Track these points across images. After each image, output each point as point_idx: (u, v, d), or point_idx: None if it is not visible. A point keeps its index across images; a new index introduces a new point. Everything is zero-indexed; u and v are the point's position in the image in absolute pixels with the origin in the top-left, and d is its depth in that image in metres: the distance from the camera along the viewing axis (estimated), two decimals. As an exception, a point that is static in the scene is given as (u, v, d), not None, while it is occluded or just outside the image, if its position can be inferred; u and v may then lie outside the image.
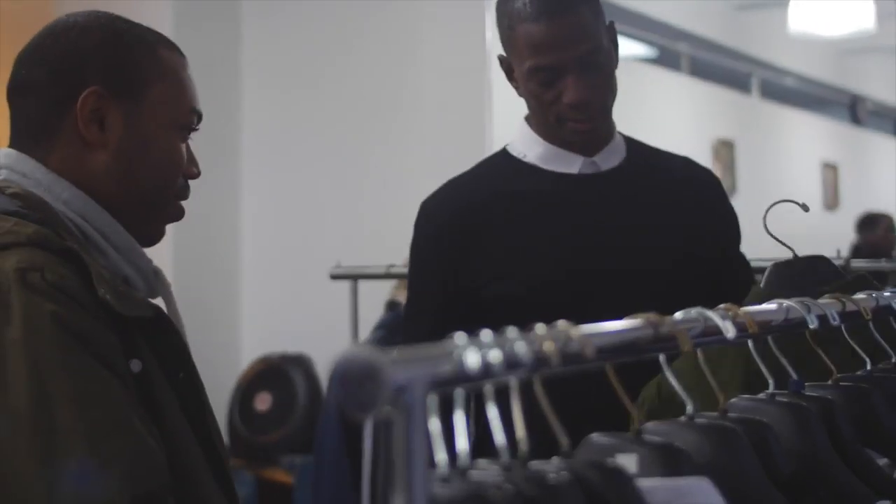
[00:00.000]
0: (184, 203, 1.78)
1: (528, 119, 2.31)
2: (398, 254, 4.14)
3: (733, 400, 1.33)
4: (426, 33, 4.68)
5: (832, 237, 7.91)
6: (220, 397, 4.59)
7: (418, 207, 2.32)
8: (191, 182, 1.78)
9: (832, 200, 9.07)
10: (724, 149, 7.66)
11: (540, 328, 0.99)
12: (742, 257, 2.40)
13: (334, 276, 3.73)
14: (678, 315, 1.20)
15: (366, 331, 3.74)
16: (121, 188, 1.67)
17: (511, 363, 0.92)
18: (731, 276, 2.30)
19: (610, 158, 2.26)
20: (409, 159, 4.69)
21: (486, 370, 0.90)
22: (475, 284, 2.20)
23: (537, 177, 2.24)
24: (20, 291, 1.46)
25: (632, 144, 2.33)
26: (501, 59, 2.24)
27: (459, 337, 0.92)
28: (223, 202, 5.07)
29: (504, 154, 2.31)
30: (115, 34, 1.70)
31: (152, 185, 1.70)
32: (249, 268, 5.17)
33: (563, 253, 2.19)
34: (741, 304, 2.10)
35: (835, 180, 9.12)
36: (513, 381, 0.95)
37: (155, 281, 1.75)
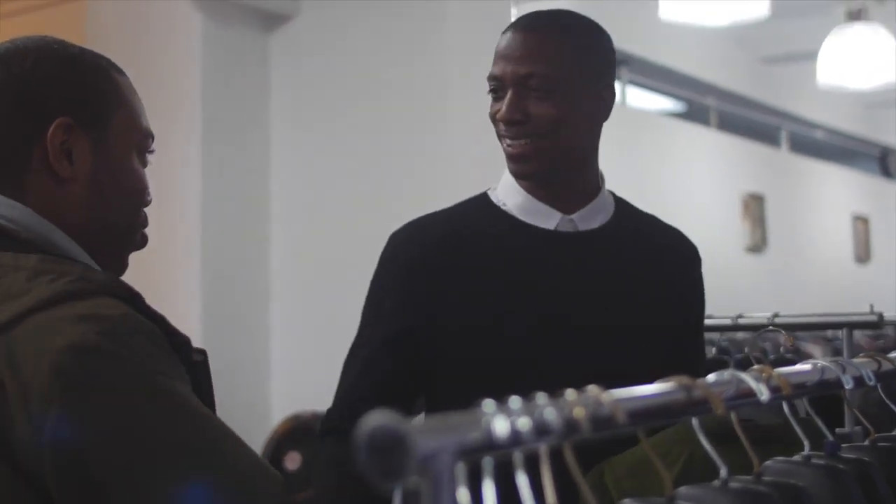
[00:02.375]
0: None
1: None
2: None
3: (767, 462, 1.31)
4: (455, 88, 4.68)
5: (864, 290, 7.89)
6: (249, 456, 4.57)
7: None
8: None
9: (863, 253, 9.03)
10: (754, 203, 7.64)
11: (570, 393, 0.97)
12: (702, 341, 2.36)
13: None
14: (711, 377, 1.18)
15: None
16: (94, 220, 1.60)
17: (540, 430, 0.90)
18: (692, 358, 2.26)
19: (590, 219, 2.18)
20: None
21: (516, 438, 0.88)
22: (433, 325, 2.11)
23: (512, 227, 2.16)
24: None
25: (622, 207, 2.25)
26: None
27: (487, 405, 0.90)
28: (252, 259, 5.07)
29: (483, 198, 2.25)
30: (72, 61, 1.62)
31: (125, 214, 1.65)
32: (279, 325, 5.16)
33: (524, 308, 2.10)
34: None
35: (866, 233, 9.08)
36: (543, 448, 0.93)
37: None
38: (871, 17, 6.30)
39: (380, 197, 4.90)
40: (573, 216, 2.16)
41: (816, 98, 8.21)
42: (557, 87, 2.08)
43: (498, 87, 2.12)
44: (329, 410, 2.26)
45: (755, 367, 1.24)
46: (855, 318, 2.84)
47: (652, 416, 1.05)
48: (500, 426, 0.87)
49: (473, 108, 4.68)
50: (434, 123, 4.76)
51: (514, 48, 2.11)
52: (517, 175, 2.16)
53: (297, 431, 4.77)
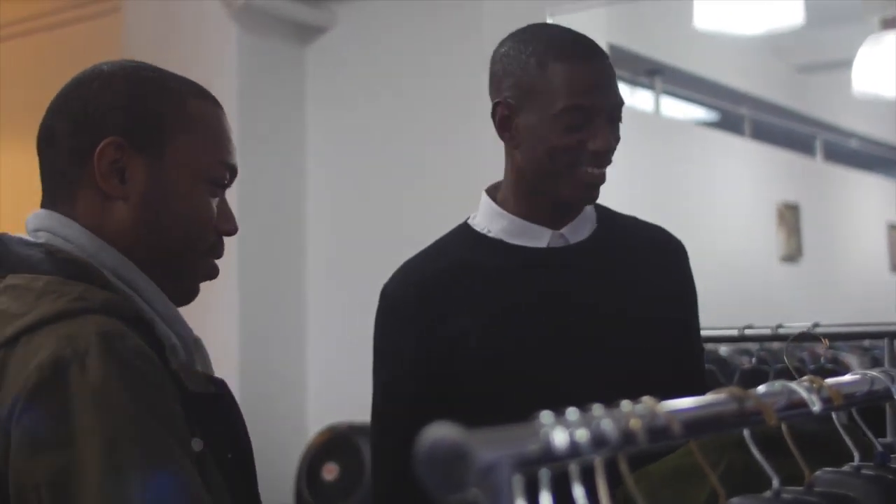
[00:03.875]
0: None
1: (490, 191, 2.25)
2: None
3: (818, 473, 1.30)
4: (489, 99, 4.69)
5: (901, 299, 7.82)
6: (287, 467, 4.59)
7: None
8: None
9: (899, 262, 8.97)
10: (789, 212, 7.61)
11: (626, 405, 0.97)
12: (698, 327, 2.32)
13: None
14: (761, 388, 1.18)
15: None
16: (144, 242, 1.63)
17: (598, 441, 0.91)
18: (688, 346, 2.26)
19: (579, 230, 2.19)
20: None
21: (574, 449, 0.89)
22: (448, 365, 2.11)
23: (502, 252, 2.16)
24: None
25: (603, 213, 2.26)
26: (500, 105, 2.15)
27: (545, 416, 0.90)
28: (289, 271, 5.09)
29: (465, 228, 2.24)
30: (139, 83, 1.66)
31: (177, 239, 1.65)
32: (315, 337, 5.17)
33: (529, 326, 2.11)
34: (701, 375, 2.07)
35: (902, 242, 9.02)
36: (598, 460, 0.93)
37: (195, 351, 1.70)
38: (907, 25, 6.27)
39: (417, 207, 4.91)
40: (563, 230, 2.17)
41: (851, 106, 8.17)
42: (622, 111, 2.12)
43: (583, 117, 2.06)
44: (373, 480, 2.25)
45: (805, 377, 1.24)
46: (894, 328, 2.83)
47: (705, 427, 1.05)
48: (560, 438, 0.88)
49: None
50: (471, 133, 4.76)
51: (603, 77, 2.10)
52: (586, 202, 2.16)
53: (333, 443, 4.78)
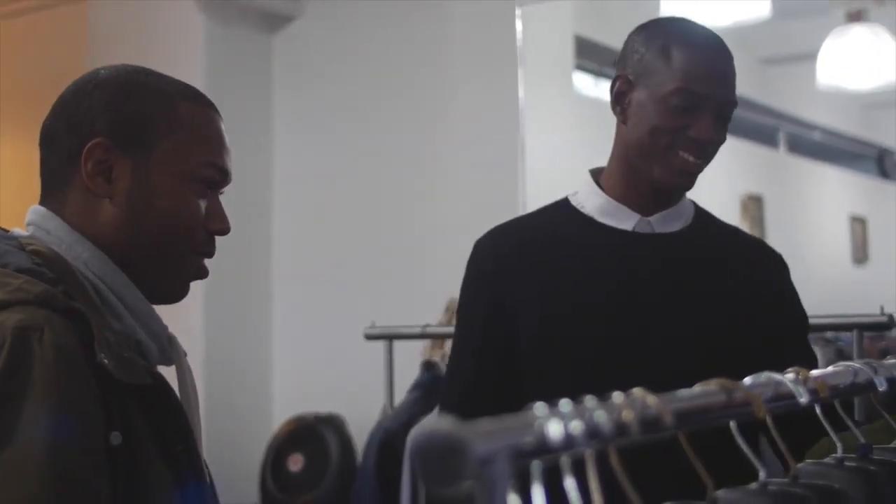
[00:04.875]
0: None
1: (594, 172, 2.29)
2: (433, 313, 4.14)
3: (800, 465, 1.30)
4: (460, 91, 4.67)
5: (861, 291, 7.88)
6: (252, 458, 4.57)
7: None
8: (222, 241, 1.76)
9: (861, 254, 9.02)
10: (753, 204, 7.64)
11: (616, 396, 0.96)
12: (808, 351, 2.30)
13: (369, 337, 3.72)
14: (747, 380, 1.18)
15: (401, 391, 3.72)
16: (129, 241, 1.66)
17: (592, 433, 0.90)
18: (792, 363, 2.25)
19: (668, 222, 2.23)
20: (442, 218, 4.68)
21: (569, 441, 0.88)
22: (515, 325, 2.18)
23: (590, 228, 2.22)
24: (8, 351, 1.43)
25: (702, 215, 2.31)
26: (620, 78, 2.19)
27: (539, 407, 0.90)
28: (254, 261, 5.06)
29: (564, 202, 2.30)
30: (130, 87, 1.71)
31: (161, 238, 1.68)
32: (281, 327, 5.15)
33: (593, 302, 2.17)
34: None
35: (863, 234, 9.07)
36: (589, 452, 0.92)
37: (169, 347, 1.72)
38: (871, 19, 6.30)
39: (383, 198, 4.89)
40: (651, 218, 2.22)
41: (815, 99, 8.21)
42: (732, 112, 2.18)
43: (694, 102, 2.12)
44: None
45: (790, 369, 1.24)
46: (865, 320, 2.84)
47: (696, 418, 1.05)
48: (554, 429, 0.87)
49: (478, 108, 4.69)
50: (438, 124, 4.75)
51: (721, 71, 2.16)
52: (677, 188, 2.22)
53: (299, 433, 4.75)
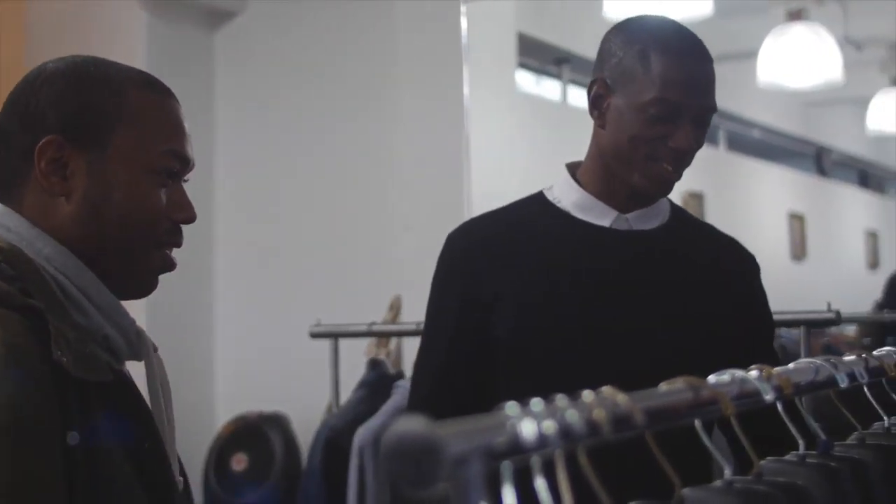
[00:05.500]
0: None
1: (571, 166, 2.26)
2: (379, 311, 4.12)
3: (762, 462, 1.30)
4: (405, 88, 4.65)
5: (800, 287, 7.94)
6: (194, 458, 4.52)
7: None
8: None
9: (799, 251, 9.11)
10: (694, 201, 7.68)
11: (587, 395, 0.95)
12: (774, 354, 2.32)
13: (314, 335, 3.69)
14: (711, 378, 1.17)
15: (346, 389, 3.70)
16: (91, 237, 1.61)
17: (564, 432, 0.89)
18: (743, 357, 2.25)
19: (645, 220, 2.21)
20: (387, 215, 4.66)
21: (542, 440, 0.86)
22: (490, 316, 2.16)
23: (567, 223, 2.20)
24: None
25: (678, 213, 2.29)
26: (597, 82, 2.16)
27: (510, 407, 0.88)
28: (196, 259, 5.01)
29: (539, 196, 2.27)
30: (79, 79, 1.65)
31: (122, 233, 1.63)
32: (224, 324, 5.10)
33: (573, 299, 2.15)
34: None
35: (802, 231, 9.16)
36: (558, 452, 0.91)
37: (137, 342, 1.67)
38: (811, 18, 6.35)
39: (328, 196, 4.86)
40: (628, 215, 2.20)
41: (754, 97, 8.27)
42: (711, 118, 2.16)
43: (670, 111, 2.08)
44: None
45: (753, 366, 1.23)
46: (812, 316, 2.86)
47: (666, 416, 1.04)
48: (528, 429, 0.86)
49: (424, 105, 4.68)
50: (383, 121, 4.73)
51: (699, 79, 2.12)
52: (656, 196, 2.20)
53: (242, 433, 4.71)
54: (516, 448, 0.85)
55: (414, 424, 0.80)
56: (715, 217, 7.78)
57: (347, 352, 3.75)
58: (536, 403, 0.90)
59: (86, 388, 1.49)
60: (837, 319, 2.83)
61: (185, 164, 1.70)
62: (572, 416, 0.90)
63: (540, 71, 7.00)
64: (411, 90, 4.61)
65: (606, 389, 0.98)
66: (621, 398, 0.97)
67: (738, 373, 1.17)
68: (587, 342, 2.12)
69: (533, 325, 2.14)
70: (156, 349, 1.74)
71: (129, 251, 1.65)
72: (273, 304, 4.97)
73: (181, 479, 1.71)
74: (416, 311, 2.29)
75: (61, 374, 1.46)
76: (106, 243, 1.62)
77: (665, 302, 2.17)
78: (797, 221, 9.14)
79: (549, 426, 0.87)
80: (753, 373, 1.19)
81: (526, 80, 6.83)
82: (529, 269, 2.17)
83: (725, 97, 7.09)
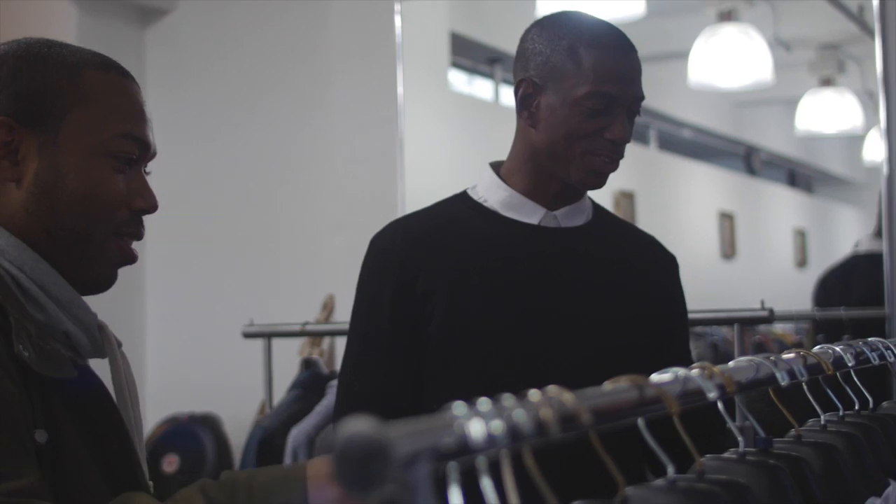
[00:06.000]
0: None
1: (494, 165, 2.26)
2: (313, 310, 4.11)
3: (700, 459, 1.30)
4: (338, 87, 4.64)
5: (730, 286, 8.00)
6: (126, 460, 4.48)
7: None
8: None
9: (729, 249, 9.18)
10: (625, 200, 7.72)
11: (533, 394, 0.95)
12: (689, 353, 2.37)
13: (247, 335, 3.67)
14: (654, 376, 1.17)
15: (279, 389, 3.67)
16: (42, 226, 1.54)
17: (512, 432, 0.88)
18: (668, 359, 2.27)
19: (572, 217, 2.23)
20: (321, 214, 4.64)
21: (490, 441, 0.86)
22: (423, 313, 2.15)
23: (495, 222, 2.20)
24: None
25: (600, 211, 2.31)
26: (524, 82, 2.16)
27: (458, 407, 0.87)
28: (127, 259, 4.96)
29: (463, 196, 2.27)
30: (29, 60, 1.57)
31: (76, 221, 1.55)
32: (154, 325, 5.06)
33: (503, 295, 2.15)
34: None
35: (731, 230, 9.23)
36: (504, 451, 0.90)
37: (101, 338, 1.61)
38: (742, 18, 6.40)
39: (261, 195, 4.84)
40: (557, 213, 2.21)
41: (685, 97, 8.32)
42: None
43: (605, 104, 2.10)
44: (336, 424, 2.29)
45: (696, 364, 1.23)
46: (747, 314, 2.88)
47: (612, 414, 1.03)
48: (476, 429, 0.85)
49: (357, 104, 4.66)
50: (317, 120, 4.71)
51: (631, 70, 2.14)
52: (593, 188, 2.21)
53: (173, 433, 4.68)
54: (464, 448, 0.85)
55: (362, 426, 0.79)
56: (646, 216, 7.83)
57: (280, 351, 3.72)
58: (484, 403, 0.89)
59: (48, 386, 1.44)
60: (771, 317, 2.85)
61: (145, 149, 1.64)
62: (520, 415, 0.89)
63: (473, 70, 7.00)
64: (345, 89, 4.60)
65: (552, 388, 0.98)
66: (567, 397, 0.97)
67: (682, 371, 1.17)
68: (520, 338, 2.13)
69: (466, 322, 2.14)
70: (120, 345, 1.68)
71: (85, 240, 1.57)
72: (205, 303, 4.93)
73: (151, 483, 1.65)
74: (349, 311, 2.26)
75: (24, 370, 1.41)
76: (61, 232, 1.55)
77: (595, 297, 2.20)
78: (727, 220, 9.21)
79: (498, 426, 0.87)
80: (695, 371, 1.20)
81: (459, 80, 6.83)
82: (460, 266, 2.16)
83: (657, 97, 7.15)
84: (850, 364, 1.57)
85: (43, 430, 1.42)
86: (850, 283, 4.41)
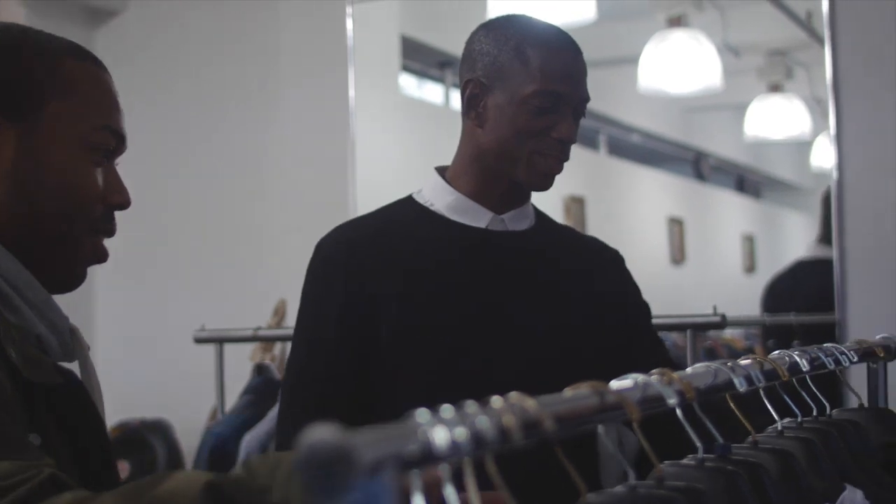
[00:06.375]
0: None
1: (440, 169, 2.26)
2: (263, 315, 4.08)
3: (660, 466, 1.30)
4: (290, 90, 4.62)
5: (679, 291, 8.04)
6: (75, 466, 4.43)
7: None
8: None
9: (678, 255, 9.21)
10: (575, 205, 7.73)
11: (496, 401, 0.94)
12: (656, 336, 2.41)
13: (199, 340, 3.64)
14: (613, 383, 1.17)
15: (230, 395, 3.65)
16: (20, 221, 1.49)
17: (476, 439, 0.87)
18: (641, 354, 2.28)
19: (519, 220, 2.24)
20: (272, 218, 4.62)
21: (454, 448, 0.85)
22: (371, 320, 2.13)
23: (442, 226, 2.20)
24: None
25: (541, 216, 2.32)
26: (472, 82, 2.17)
27: (421, 414, 0.87)
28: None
29: (409, 200, 2.27)
30: (7, 47, 1.52)
31: (54, 216, 1.50)
32: (104, 331, 5.02)
33: (453, 301, 2.15)
34: None
35: (681, 235, 9.27)
36: (467, 459, 0.90)
37: (71, 342, 1.57)
38: (691, 24, 6.43)
39: (212, 198, 4.81)
40: (504, 216, 2.22)
41: (634, 102, 8.35)
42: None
43: (552, 102, 2.11)
44: (281, 433, 2.24)
45: (654, 370, 1.23)
46: (700, 320, 2.89)
47: (574, 420, 1.03)
48: (440, 436, 0.84)
49: (309, 108, 4.64)
50: (269, 123, 4.69)
51: (577, 70, 2.16)
52: (541, 188, 2.21)
53: (123, 440, 4.64)
54: (428, 456, 0.84)
55: (325, 433, 0.78)
56: (596, 221, 7.86)
57: (231, 357, 3.70)
58: (446, 410, 0.88)
59: (34, 391, 1.40)
60: (723, 323, 2.86)
61: (121, 142, 1.60)
62: (483, 422, 0.89)
63: (423, 74, 6.99)
64: (296, 92, 4.59)
65: (513, 395, 0.97)
66: (530, 404, 0.96)
67: (641, 377, 1.17)
68: (468, 343, 2.13)
69: (413, 327, 2.13)
70: (88, 348, 1.64)
71: (63, 237, 1.53)
72: (156, 308, 4.90)
73: None
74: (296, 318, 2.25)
75: (13, 375, 1.37)
76: (37, 227, 1.50)
77: (545, 300, 2.20)
78: (676, 226, 9.25)
79: (461, 433, 0.86)
80: (654, 377, 1.20)
81: (409, 83, 6.82)
82: (408, 271, 2.16)
83: (607, 102, 7.19)
84: (805, 369, 1.58)
85: (36, 434, 1.38)
86: (796, 288, 4.44)
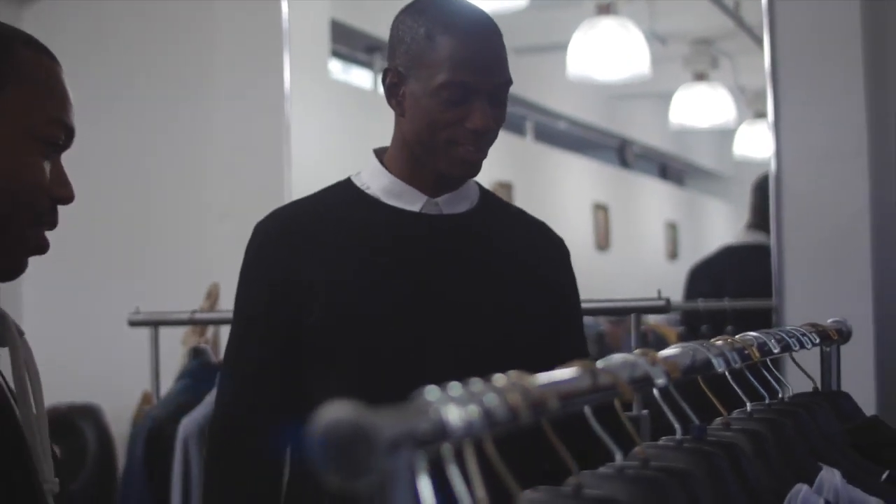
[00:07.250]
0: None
1: (378, 151, 2.24)
2: (196, 299, 4.04)
3: (641, 446, 1.30)
4: (224, 74, 4.57)
5: (604, 276, 8.09)
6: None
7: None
8: None
9: (603, 241, 9.28)
10: (503, 191, 7.74)
11: (499, 378, 0.93)
12: (583, 336, 2.37)
13: (133, 323, 3.60)
14: (600, 363, 1.17)
15: (166, 379, 3.61)
16: None
17: (488, 417, 0.86)
18: (567, 347, 2.26)
19: (455, 203, 2.21)
20: (207, 201, 4.57)
21: (469, 427, 0.84)
22: (302, 307, 2.12)
23: (377, 210, 2.18)
24: None
25: (488, 197, 2.29)
26: (391, 71, 2.12)
27: (431, 392, 0.86)
28: (2, 247, 4.84)
29: (347, 183, 2.24)
30: None
31: (2, 208, 1.48)
32: (32, 314, 4.93)
33: (383, 285, 2.13)
34: None
35: (606, 221, 9.33)
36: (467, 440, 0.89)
37: (1, 327, 1.54)
38: (620, 12, 6.46)
39: (145, 182, 4.76)
40: (438, 199, 2.18)
41: (561, 89, 8.39)
42: (508, 93, 2.12)
43: (462, 93, 2.05)
44: (216, 419, 2.25)
45: (637, 350, 1.23)
46: (644, 304, 2.90)
47: (576, 399, 1.02)
48: (454, 415, 0.83)
49: (243, 92, 4.60)
50: (202, 107, 4.64)
51: (491, 56, 2.09)
52: (463, 179, 2.18)
53: (53, 424, 4.55)
54: (441, 434, 0.83)
55: (342, 411, 0.77)
56: (523, 206, 7.86)
57: (164, 341, 3.66)
58: (455, 388, 0.87)
59: None
60: (668, 307, 2.88)
61: (70, 136, 1.58)
62: (492, 400, 0.88)
63: (351, 59, 6.96)
64: (230, 75, 4.54)
65: (513, 373, 0.96)
66: (529, 382, 0.95)
67: (629, 357, 1.17)
68: (400, 328, 2.11)
69: (346, 312, 2.11)
70: (21, 333, 1.61)
71: (7, 227, 1.50)
72: (87, 291, 4.83)
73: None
74: (234, 299, 2.23)
75: None
76: None
77: (480, 284, 2.18)
78: (601, 212, 9.31)
79: (474, 411, 0.85)
80: (640, 358, 1.20)
81: (338, 68, 6.79)
82: (341, 255, 2.14)
83: (535, 89, 7.20)
84: (776, 351, 1.59)
85: None
86: (723, 274, 4.49)
